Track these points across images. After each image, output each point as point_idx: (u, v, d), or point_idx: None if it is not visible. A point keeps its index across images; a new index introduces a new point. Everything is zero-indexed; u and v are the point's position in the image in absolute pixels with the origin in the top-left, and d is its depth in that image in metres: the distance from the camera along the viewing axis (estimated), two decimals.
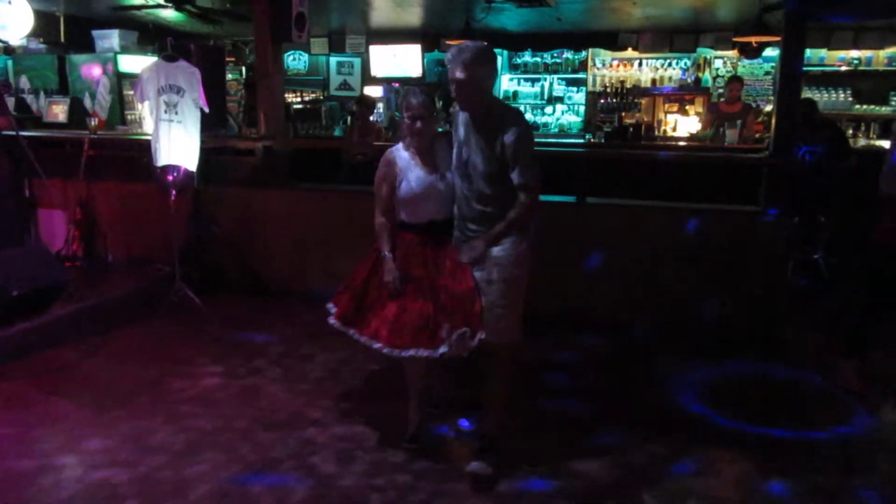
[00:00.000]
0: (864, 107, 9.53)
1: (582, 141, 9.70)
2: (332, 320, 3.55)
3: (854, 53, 9.56)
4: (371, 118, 8.35)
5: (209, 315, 5.44)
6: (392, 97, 11.02)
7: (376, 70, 11.24)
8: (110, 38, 8.54)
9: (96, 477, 3.31)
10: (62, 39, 9.21)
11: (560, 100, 10.99)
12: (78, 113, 7.74)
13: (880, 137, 9.06)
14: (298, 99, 11.28)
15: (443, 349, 3.23)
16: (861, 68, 9.58)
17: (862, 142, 8.74)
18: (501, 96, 10.46)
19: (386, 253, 3.42)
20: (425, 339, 3.25)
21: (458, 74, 3.11)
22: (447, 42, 9.78)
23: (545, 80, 11.01)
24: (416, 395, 3.61)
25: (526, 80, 11.09)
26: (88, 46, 8.66)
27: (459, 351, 3.25)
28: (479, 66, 3.12)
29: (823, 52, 9.60)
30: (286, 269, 6.04)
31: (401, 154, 3.45)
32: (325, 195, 6.12)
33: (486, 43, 3.23)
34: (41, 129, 7.35)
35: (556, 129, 10.78)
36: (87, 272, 6.20)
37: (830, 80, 9.64)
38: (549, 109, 11.00)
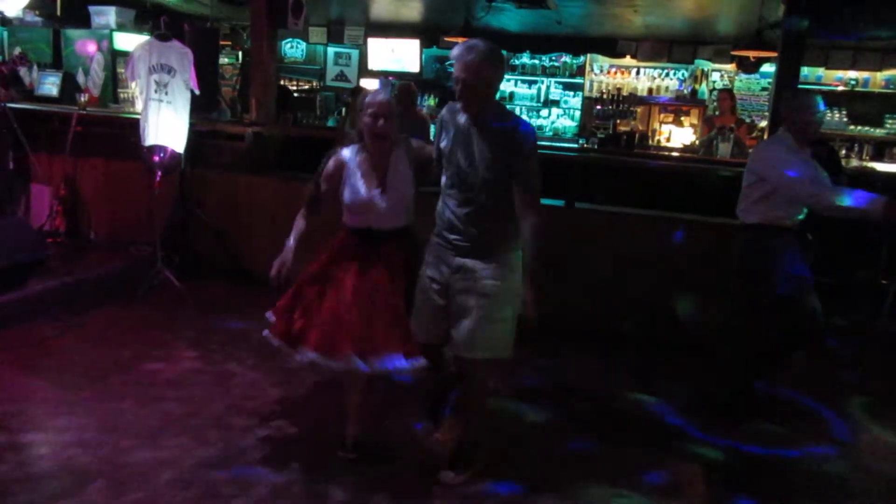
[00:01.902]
0: (859, 128, 9.55)
1: (575, 146, 9.69)
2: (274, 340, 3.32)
3: (852, 74, 9.60)
4: None
5: (189, 299, 5.38)
6: (388, 90, 10.97)
7: (374, 63, 11.20)
8: (107, 15, 8.44)
9: (63, 456, 3.26)
10: (58, 13, 9.11)
11: (556, 103, 10.99)
12: (70, 88, 7.66)
13: (873, 159, 9.10)
14: (295, 87, 11.23)
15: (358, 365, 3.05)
16: (858, 89, 9.62)
17: (854, 163, 8.76)
18: (497, 96, 10.43)
19: (290, 241, 3.37)
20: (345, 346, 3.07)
21: (465, 74, 2.95)
22: (446, 39, 9.76)
23: (542, 82, 11.00)
24: (354, 406, 3.40)
25: (523, 81, 11.06)
26: (84, 22, 8.57)
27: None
28: (486, 68, 2.96)
29: (821, 71, 9.62)
30: (269, 256, 5.94)
31: (351, 159, 3.26)
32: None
33: (495, 45, 3.04)
34: (32, 103, 7.26)
35: (551, 133, 10.77)
36: (68, 249, 6.14)
37: (826, 99, 9.52)
38: (544, 112, 10.99)
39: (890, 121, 9.47)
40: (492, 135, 3.03)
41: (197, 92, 5.51)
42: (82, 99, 6.54)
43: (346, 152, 3.29)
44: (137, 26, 8.79)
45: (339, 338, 3.07)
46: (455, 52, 3.01)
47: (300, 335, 3.18)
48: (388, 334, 3.09)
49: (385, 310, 3.13)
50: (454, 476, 3.29)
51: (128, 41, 8.07)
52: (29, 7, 7.89)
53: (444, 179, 3.18)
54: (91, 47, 8.13)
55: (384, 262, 3.22)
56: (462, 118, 3.11)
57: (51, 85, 7.66)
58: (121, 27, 8.37)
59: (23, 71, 7.48)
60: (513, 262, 3.12)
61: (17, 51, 8.24)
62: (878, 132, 9.49)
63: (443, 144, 3.17)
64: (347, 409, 3.40)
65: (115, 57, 8.11)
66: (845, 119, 9.59)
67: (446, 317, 3.18)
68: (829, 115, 9.60)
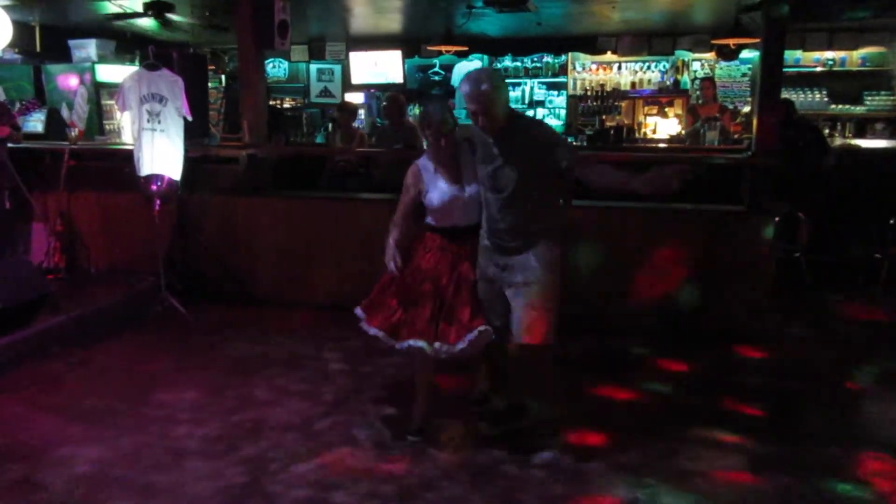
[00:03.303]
0: (840, 106, 9.67)
1: None
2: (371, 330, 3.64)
3: (828, 54, 9.71)
4: (353, 124, 8.33)
5: (194, 324, 5.40)
6: (373, 103, 11.01)
7: (357, 77, 11.21)
8: (87, 48, 8.45)
9: (86, 491, 3.27)
10: (38, 49, 9.10)
11: (541, 104, 11.04)
12: (55, 124, 7.64)
13: (856, 136, 9.22)
14: (280, 106, 11.24)
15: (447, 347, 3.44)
16: (836, 69, 9.73)
17: (839, 141, 8.88)
18: None
19: (391, 240, 3.57)
20: (427, 333, 3.45)
21: (475, 106, 3.26)
22: (428, 48, 9.80)
23: (526, 84, 11.06)
24: (424, 389, 3.77)
25: (506, 84, 11.08)
26: (65, 56, 8.57)
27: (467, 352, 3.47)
28: (492, 95, 3.25)
29: (799, 54, 9.73)
30: (270, 277, 6.02)
31: (427, 167, 3.59)
32: (308, 203, 6.10)
33: (493, 69, 3.36)
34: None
35: None
36: (69, 284, 6.13)
37: (806, 80, 9.78)
38: (530, 113, 11.02)
39: (869, 98, 9.59)
40: (518, 138, 3.34)
41: (189, 118, 5.53)
42: (73, 133, 6.54)
43: (419, 166, 3.63)
44: (119, 57, 8.80)
45: (443, 326, 3.46)
46: (464, 88, 3.31)
47: (399, 326, 3.53)
48: (473, 320, 3.46)
49: (471, 298, 3.51)
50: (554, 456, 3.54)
51: (110, 72, 8.08)
52: (8, 45, 7.87)
53: (483, 188, 3.50)
54: (73, 81, 8.12)
55: (466, 257, 3.58)
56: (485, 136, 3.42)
57: (36, 122, 7.66)
58: (102, 59, 8.38)
59: (34, 116, 7.45)
60: (552, 257, 3.42)
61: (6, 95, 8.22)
62: (859, 109, 9.61)
63: (478, 160, 3.49)
64: (419, 392, 3.77)
65: (99, 89, 8.11)
66: (826, 99, 9.71)
67: (501, 307, 3.50)
68: (810, 95, 9.73)
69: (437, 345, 3.46)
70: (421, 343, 3.45)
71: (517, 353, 3.53)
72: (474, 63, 10.93)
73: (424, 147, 3.86)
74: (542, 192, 3.42)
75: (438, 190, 3.55)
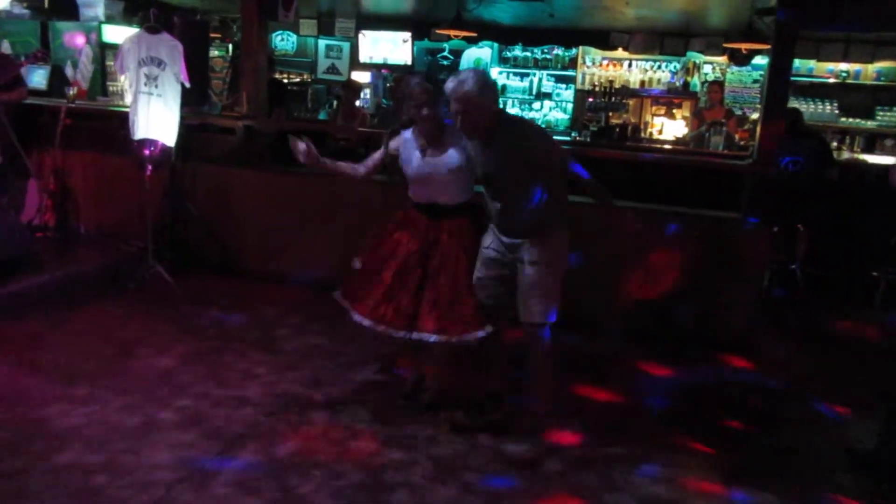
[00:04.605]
0: (850, 120, 9.56)
1: (567, 139, 9.66)
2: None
3: (843, 66, 9.59)
4: (357, 103, 8.26)
5: (180, 293, 5.34)
6: (380, 83, 10.92)
7: (365, 55, 11.14)
8: (95, 7, 8.36)
9: (67, 457, 3.24)
10: (46, 5, 9.02)
11: (548, 96, 10.95)
12: (58, 81, 7.58)
13: (864, 151, 9.12)
14: (286, 79, 11.15)
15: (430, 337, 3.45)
16: (849, 81, 9.62)
17: (846, 155, 8.78)
18: None
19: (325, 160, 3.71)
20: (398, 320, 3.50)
21: (455, 106, 3.21)
22: (438, 31, 9.71)
23: (534, 75, 10.96)
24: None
25: (515, 74, 11.02)
26: (73, 14, 8.48)
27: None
28: (478, 98, 3.19)
29: (812, 63, 9.62)
30: (260, 249, 5.96)
31: (408, 136, 3.59)
32: (302, 178, 6.01)
33: (481, 70, 3.36)
34: None
35: (543, 126, 10.73)
36: (57, 243, 6.11)
37: (818, 91, 9.67)
38: (536, 105, 10.95)
39: (881, 113, 9.48)
40: (503, 140, 3.28)
41: (188, 85, 5.46)
42: (71, 92, 6.48)
43: (403, 132, 3.63)
44: (126, 18, 8.69)
45: (421, 314, 3.48)
46: (448, 85, 3.24)
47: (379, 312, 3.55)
48: (453, 311, 3.46)
49: (450, 287, 3.49)
50: (526, 449, 3.52)
51: (117, 33, 7.99)
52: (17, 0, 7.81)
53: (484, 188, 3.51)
54: (79, 40, 8.05)
55: (447, 237, 3.54)
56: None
57: (39, 78, 7.60)
58: (109, 19, 8.28)
59: (38, 72, 7.39)
60: (555, 240, 3.42)
61: (6, 45, 8.16)
62: (870, 124, 9.50)
63: (472, 152, 3.47)
64: (414, 361, 3.96)
65: (104, 49, 8.03)
66: (836, 111, 9.60)
67: (504, 284, 3.49)
68: (821, 106, 9.63)
69: (414, 334, 3.46)
70: (396, 332, 3.50)
71: (495, 341, 3.57)
72: (483, 50, 10.84)
73: None
74: (540, 194, 3.34)
75: (412, 160, 3.54)
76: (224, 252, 5.98)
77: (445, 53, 11.06)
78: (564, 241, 3.48)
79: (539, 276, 3.37)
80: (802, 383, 4.70)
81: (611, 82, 10.33)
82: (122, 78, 6.82)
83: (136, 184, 5.63)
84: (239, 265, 5.94)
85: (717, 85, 8.76)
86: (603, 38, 10.23)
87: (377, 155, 3.70)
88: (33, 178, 6.19)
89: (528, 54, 10.93)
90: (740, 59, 9.14)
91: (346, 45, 11.40)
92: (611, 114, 9.94)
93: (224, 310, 5.21)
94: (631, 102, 10.18)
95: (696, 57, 10.09)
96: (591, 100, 10.36)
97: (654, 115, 10.12)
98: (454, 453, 3.48)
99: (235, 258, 5.97)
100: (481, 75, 3.25)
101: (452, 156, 3.49)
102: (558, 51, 10.79)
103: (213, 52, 10.07)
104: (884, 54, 9.36)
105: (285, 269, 5.84)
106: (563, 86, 10.89)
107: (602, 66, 10.58)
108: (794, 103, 8.68)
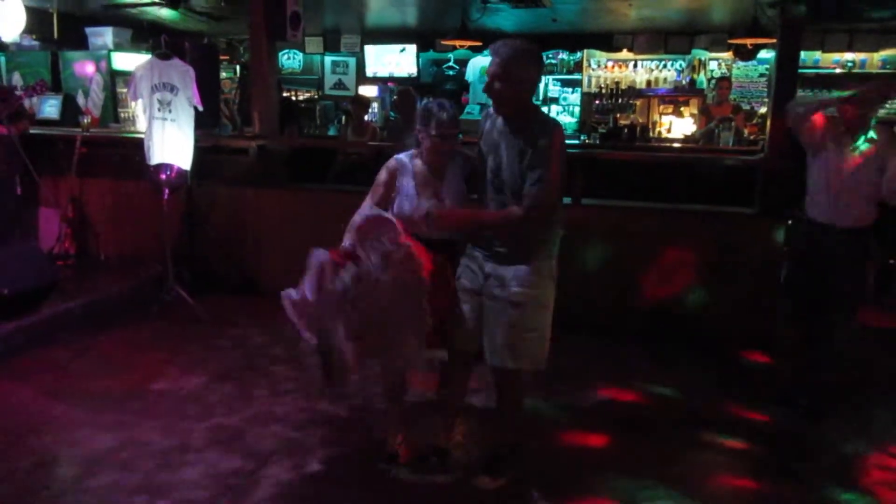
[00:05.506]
0: None
1: (577, 142, 9.68)
2: None
3: (848, 56, 9.59)
4: (366, 118, 8.32)
5: (202, 314, 5.40)
6: (387, 97, 10.99)
7: (371, 70, 11.22)
8: (104, 36, 8.47)
9: (104, 481, 3.28)
10: (55, 36, 9.15)
11: (555, 101, 10.99)
12: (71, 110, 7.69)
13: None
14: (295, 97, 11.25)
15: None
16: (855, 71, 9.60)
17: None
18: None
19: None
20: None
21: (493, 69, 2.93)
22: (443, 42, 9.76)
23: (540, 80, 10.96)
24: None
25: None
26: (82, 44, 8.60)
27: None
28: (518, 66, 2.91)
29: (818, 55, 9.62)
30: (278, 268, 5.98)
31: (407, 166, 3.24)
32: (318, 195, 6.09)
33: (534, 45, 3.00)
34: (34, 127, 7.28)
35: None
36: (78, 271, 6.17)
37: (824, 82, 9.65)
38: (544, 110, 10.93)
39: (888, 102, 9.44)
40: (524, 138, 2.95)
41: (200, 108, 5.53)
42: (85, 121, 6.57)
43: (398, 165, 3.25)
44: (135, 45, 8.82)
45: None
46: (494, 45, 2.97)
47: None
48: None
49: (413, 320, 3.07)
50: (490, 480, 3.28)
51: (126, 61, 8.09)
52: (26, 31, 7.91)
53: (489, 186, 3.13)
54: (89, 68, 8.16)
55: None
56: (498, 122, 3.07)
57: (51, 108, 7.71)
58: (118, 47, 8.38)
59: (49, 102, 7.50)
60: (546, 270, 3.09)
61: (17, 77, 8.28)
62: (880, 112, 9.44)
63: (484, 149, 3.15)
64: (391, 417, 3.58)
65: (114, 77, 8.13)
66: None
67: (478, 326, 3.14)
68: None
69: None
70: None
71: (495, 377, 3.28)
72: (489, 59, 10.86)
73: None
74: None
75: (410, 199, 3.18)
76: (243, 272, 6.04)
77: (451, 63, 11.12)
78: (553, 273, 3.12)
79: (522, 315, 3.02)
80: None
81: (617, 84, 10.35)
82: (134, 104, 6.92)
83: (153, 208, 5.70)
84: (258, 284, 5.99)
85: (725, 81, 8.74)
86: (607, 41, 10.27)
87: (374, 201, 3.28)
88: (52, 206, 6.29)
89: None
90: (745, 53, 9.14)
91: (351, 61, 11.49)
92: (618, 115, 9.93)
93: (246, 329, 5.27)
94: (638, 103, 10.20)
95: (701, 54, 10.10)
96: (598, 102, 10.38)
97: (661, 114, 10.13)
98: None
99: (254, 278, 6.02)
100: (534, 50, 2.97)
101: (451, 195, 3.22)
102: (563, 55, 10.83)
103: (222, 74, 10.17)
104: (889, 42, 9.33)
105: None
106: (570, 90, 10.92)
107: (607, 68, 10.61)
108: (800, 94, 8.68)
